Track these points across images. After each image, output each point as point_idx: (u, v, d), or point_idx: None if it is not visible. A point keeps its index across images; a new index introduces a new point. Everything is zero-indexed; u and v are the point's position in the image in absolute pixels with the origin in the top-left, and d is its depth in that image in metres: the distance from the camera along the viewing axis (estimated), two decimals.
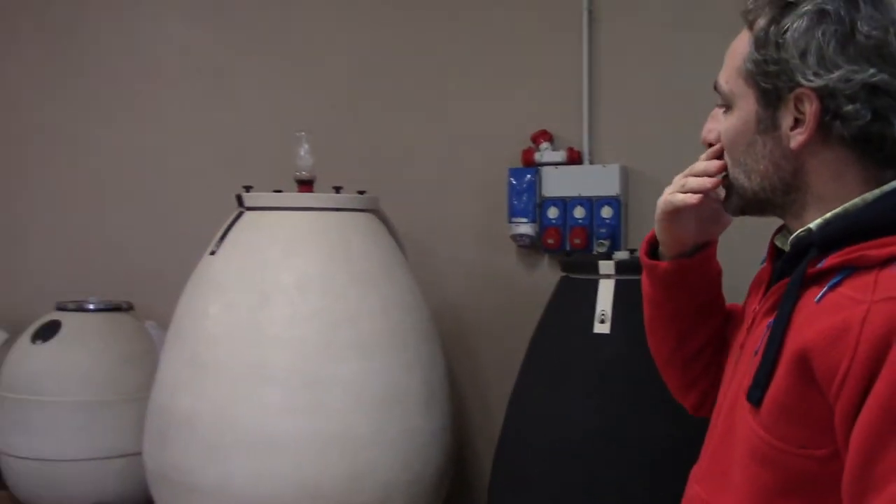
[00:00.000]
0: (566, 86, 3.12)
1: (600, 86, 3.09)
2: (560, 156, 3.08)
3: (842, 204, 1.06)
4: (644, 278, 1.36)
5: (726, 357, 1.27)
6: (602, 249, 2.87)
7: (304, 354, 2.55)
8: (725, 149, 1.16)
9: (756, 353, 1.07)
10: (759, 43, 1.08)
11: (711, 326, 1.36)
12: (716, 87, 1.16)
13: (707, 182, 1.20)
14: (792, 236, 1.11)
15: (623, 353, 2.46)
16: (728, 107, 1.15)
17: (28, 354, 3.33)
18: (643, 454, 2.38)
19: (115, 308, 3.49)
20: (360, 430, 2.53)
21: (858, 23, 1.02)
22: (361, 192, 2.87)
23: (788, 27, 1.04)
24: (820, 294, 1.00)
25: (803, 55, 1.03)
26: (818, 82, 1.03)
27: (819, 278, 1.02)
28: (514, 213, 3.10)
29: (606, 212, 2.99)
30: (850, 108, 1.02)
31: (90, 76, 4.04)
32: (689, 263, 1.30)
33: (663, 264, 1.31)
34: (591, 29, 3.09)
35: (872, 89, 1.01)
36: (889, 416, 0.90)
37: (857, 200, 1.05)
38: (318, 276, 2.63)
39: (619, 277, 2.49)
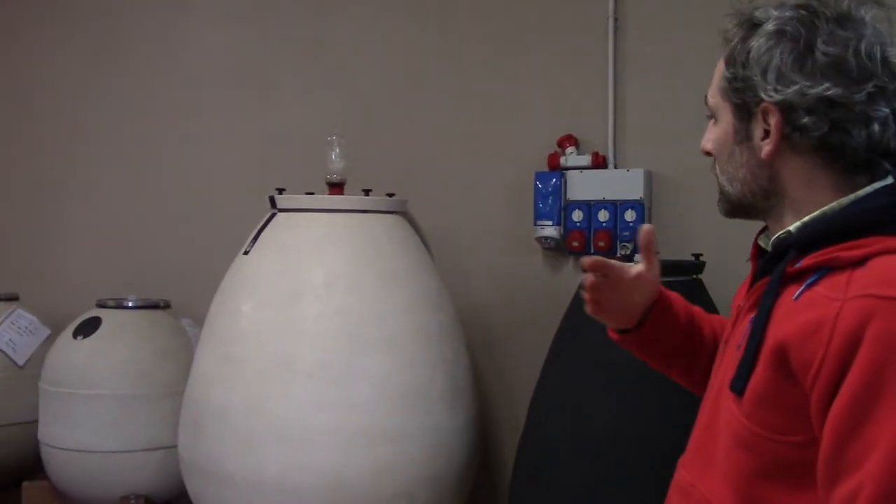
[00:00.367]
0: (592, 91, 3.18)
1: (625, 91, 3.15)
2: (585, 160, 3.13)
3: (817, 208, 1.13)
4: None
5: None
6: (625, 252, 2.92)
7: (332, 350, 2.62)
8: (715, 157, 1.25)
9: (739, 347, 1.14)
10: (729, 61, 1.17)
11: (709, 347, 1.46)
12: (705, 101, 1.26)
13: (586, 295, 1.38)
14: (773, 238, 1.18)
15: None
16: (714, 119, 1.24)
17: (69, 349, 3.43)
18: (665, 451, 2.41)
19: (152, 305, 3.58)
20: (385, 424, 2.60)
21: (817, 41, 1.10)
22: (390, 195, 2.95)
23: (752, 46, 1.13)
24: (798, 292, 1.07)
25: (764, 72, 1.12)
26: (777, 97, 1.11)
27: (797, 277, 1.09)
28: (539, 215, 3.16)
29: (630, 215, 3.04)
30: (807, 120, 1.10)
31: (132, 79, 4.17)
32: (639, 334, 1.44)
33: (619, 339, 1.46)
34: (617, 36, 3.14)
35: (829, 102, 1.09)
36: (859, 405, 0.96)
37: (833, 205, 1.12)
38: (346, 275, 2.71)
39: None
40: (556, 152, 3.18)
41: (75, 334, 3.46)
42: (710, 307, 2.60)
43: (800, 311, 1.05)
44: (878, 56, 1.10)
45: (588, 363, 2.62)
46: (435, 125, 3.49)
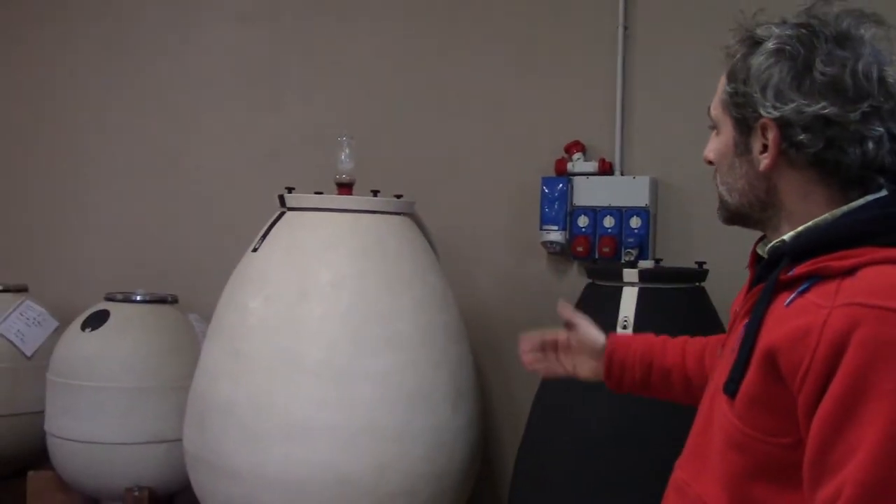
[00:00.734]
0: (600, 99, 3.21)
1: (633, 100, 3.18)
2: (592, 166, 3.17)
3: (811, 220, 1.17)
4: None
5: None
6: (629, 258, 2.95)
7: (338, 349, 2.65)
8: (716, 167, 1.29)
9: (733, 350, 1.18)
10: (731, 77, 1.21)
11: (681, 378, 1.59)
12: (708, 112, 1.29)
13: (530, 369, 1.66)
14: (768, 246, 1.22)
15: None
16: (716, 131, 1.28)
17: (77, 341, 3.46)
18: (663, 456, 2.43)
19: (160, 300, 3.62)
20: (387, 423, 2.63)
21: (815, 60, 1.13)
22: (398, 196, 2.98)
23: (753, 64, 1.17)
24: (789, 299, 1.11)
25: (764, 89, 1.16)
26: (775, 113, 1.15)
27: (790, 285, 1.13)
28: (545, 220, 3.19)
29: (635, 222, 3.07)
30: (803, 137, 1.14)
31: (146, 77, 4.21)
32: (611, 383, 1.64)
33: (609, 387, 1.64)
34: (626, 45, 3.18)
35: (825, 120, 1.12)
36: (843, 409, 1.00)
37: (826, 216, 1.16)
38: (353, 274, 2.74)
39: (642, 285, 2.57)
40: (563, 158, 3.22)
41: (83, 327, 3.49)
42: (712, 314, 2.63)
43: (790, 317, 1.09)
44: (875, 76, 1.13)
45: None
46: (444, 128, 3.53)
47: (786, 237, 1.19)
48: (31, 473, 3.59)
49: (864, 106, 1.12)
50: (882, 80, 1.13)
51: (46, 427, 3.50)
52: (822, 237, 1.13)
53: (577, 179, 3.18)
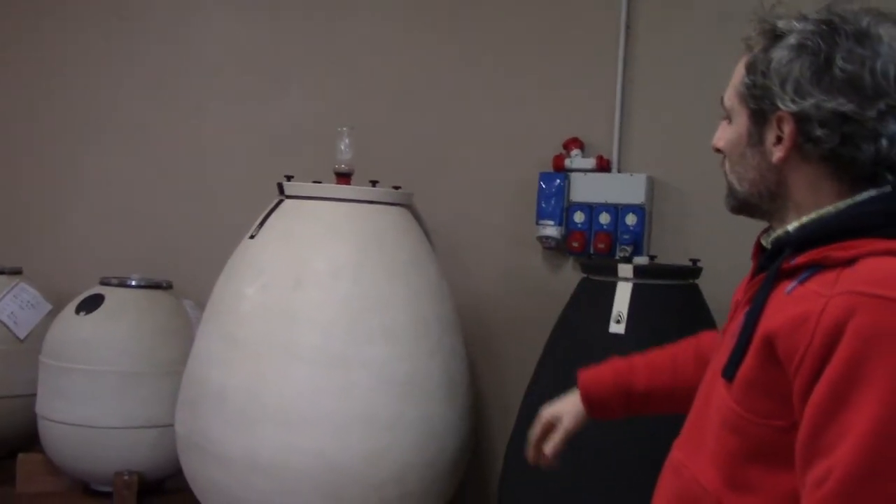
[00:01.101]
0: (600, 96, 3.23)
1: (632, 98, 3.20)
2: (589, 163, 3.18)
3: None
4: None
5: None
6: (624, 255, 2.97)
7: (333, 337, 2.67)
8: (726, 155, 1.30)
9: (734, 336, 1.20)
10: (750, 69, 1.22)
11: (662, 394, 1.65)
12: (721, 101, 1.30)
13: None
14: (772, 237, 1.25)
15: (636, 352, 2.55)
16: (729, 120, 1.29)
17: (71, 325, 3.46)
18: (651, 450, 2.46)
19: (155, 285, 3.62)
20: (381, 411, 2.65)
21: (836, 57, 1.14)
22: (396, 188, 2.99)
23: (773, 57, 1.18)
24: (790, 287, 1.13)
25: (783, 83, 1.17)
26: (794, 108, 1.16)
27: (791, 273, 1.15)
28: (541, 215, 3.21)
29: (631, 219, 3.09)
30: (820, 132, 1.15)
31: (146, 64, 4.20)
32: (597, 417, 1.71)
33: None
34: (628, 44, 3.19)
35: (842, 117, 1.14)
36: (836, 394, 1.02)
37: (830, 208, 1.18)
38: (350, 263, 2.75)
39: (636, 281, 2.59)
40: (561, 154, 3.23)
41: (78, 310, 3.49)
42: (706, 312, 2.66)
43: (791, 304, 1.11)
44: (893, 75, 1.14)
45: (581, 362, 2.66)
46: (443, 122, 3.54)
47: (789, 228, 1.21)
48: (21, 456, 3.59)
49: (881, 104, 1.14)
50: None
51: (38, 410, 3.50)
52: (824, 228, 1.16)
53: (574, 175, 3.20)
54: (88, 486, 3.53)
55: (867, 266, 1.08)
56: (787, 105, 1.17)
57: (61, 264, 4.28)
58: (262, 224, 2.90)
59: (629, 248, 3.00)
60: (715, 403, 1.21)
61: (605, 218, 3.12)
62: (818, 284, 1.10)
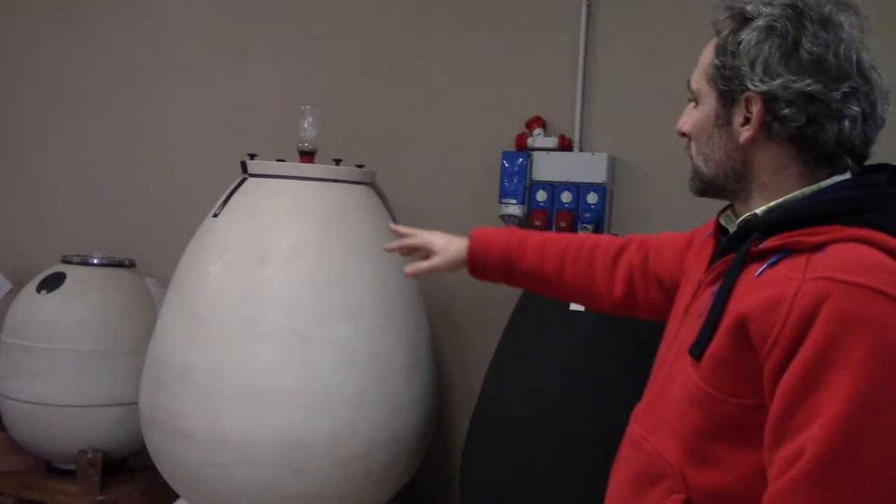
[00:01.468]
0: (562, 76, 3.26)
1: (594, 78, 3.23)
2: (552, 142, 3.22)
3: (782, 194, 1.23)
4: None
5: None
6: (585, 233, 3.01)
7: (297, 314, 2.68)
8: (693, 138, 1.34)
9: (700, 315, 1.24)
10: (720, 51, 1.25)
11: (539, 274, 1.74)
12: (688, 85, 1.34)
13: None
14: (739, 219, 1.28)
15: (595, 330, 2.61)
16: (696, 102, 1.32)
17: (33, 303, 3.44)
18: (610, 425, 2.51)
19: (117, 264, 3.60)
20: (345, 388, 2.67)
21: (803, 39, 1.19)
22: (360, 166, 3.00)
23: (743, 39, 1.22)
24: (760, 270, 1.17)
25: (752, 64, 1.21)
26: (762, 87, 1.20)
27: (759, 256, 1.19)
28: (504, 194, 3.24)
29: (592, 198, 3.13)
30: (787, 111, 1.19)
31: (107, 43, 4.16)
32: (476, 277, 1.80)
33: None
34: (589, 22, 3.22)
35: (809, 97, 1.18)
36: (809, 375, 1.06)
37: (796, 193, 1.22)
38: (313, 241, 2.76)
39: None
40: (523, 133, 3.26)
41: (39, 288, 3.47)
42: None
43: (761, 287, 1.15)
44: (854, 59, 1.19)
45: (542, 338, 2.71)
46: (406, 100, 3.55)
47: (757, 211, 1.25)
48: None
49: (845, 86, 1.18)
50: (860, 63, 1.19)
51: None
52: (793, 213, 1.19)
53: (536, 154, 3.23)
54: (51, 465, 3.52)
55: (837, 252, 1.12)
56: (755, 85, 1.20)
57: (21, 242, 4.24)
58: (225, 202, 2.90)
59: (590, 227, 3.04)
60: (679, 380, 1.25)
61: (566, 196, 3.16)
62: (787, 268, 1.13)
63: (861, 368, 1.03)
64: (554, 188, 3.19)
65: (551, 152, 3.22)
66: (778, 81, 1.19)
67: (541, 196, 3.20)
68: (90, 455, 3.31)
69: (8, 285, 3.87)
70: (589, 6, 3.21)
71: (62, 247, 3.79)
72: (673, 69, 3.12)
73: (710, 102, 1.28)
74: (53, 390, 3.34)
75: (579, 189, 3.15)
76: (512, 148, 3.27)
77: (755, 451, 1.13)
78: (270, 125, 3.65)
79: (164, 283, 3.20)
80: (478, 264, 1.80)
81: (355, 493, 2.75)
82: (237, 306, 2.70)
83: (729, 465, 1.18)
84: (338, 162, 2.98)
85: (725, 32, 1.25)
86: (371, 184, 3.02)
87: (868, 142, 1.23)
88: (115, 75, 4.14)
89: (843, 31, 1.20)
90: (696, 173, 1.33)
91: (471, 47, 3.44)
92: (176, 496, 3.02)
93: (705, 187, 1.33)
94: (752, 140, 1.23)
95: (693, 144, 1.33)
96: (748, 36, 1.21)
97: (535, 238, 1.77)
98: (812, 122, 1.19)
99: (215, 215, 2.90)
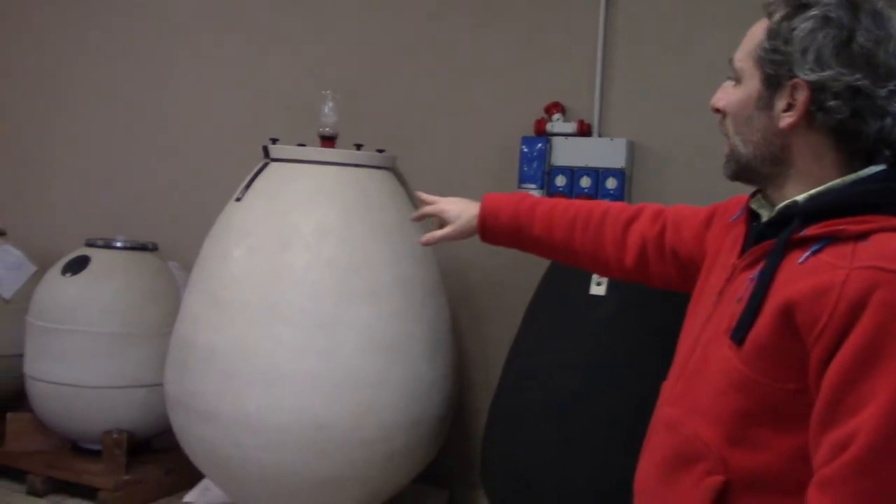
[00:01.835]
0: (581, 61, 3.26)
1: (613, 63, 3.23)
2: (571, 127, 3.22)
3: (818, 182, 1.24)
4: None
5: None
6: (596, 200, 3.02)
7: (319, 298, 2.71)
8: (729, 117, 1.33)
9: (739, 300, 1.25)
10: (772, 35, 1.25)
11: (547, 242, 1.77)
12: (730, 62, 1.33)
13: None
14: (780, 205, 1.28)
15: (616, 314, 2.62)
16: (737, 81, 1.32)
17: (58, 286, 3.49)
18: (630, 409, 2.54)
19: (140, 247, 3.64)
20: (366, 371, 2.70)
21: (857, 33, 1.19)
22: (380, 151, 3.02)
23: (797, 26, 1.22)
24: (803, 257, 1.18)
25: (804, 52, 1.21)
26: (812, 77, 1.21)
27: (800, 244, 1.20)
28: (523, 179, 3.25)
29: (611, 183, 3.14)
30: (833, 103, 1.20)
31: (130, 25, 4.19)
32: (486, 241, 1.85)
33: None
34: (609, 7, 3.22)
35: (856, 91, 1.20)
36: (859, 362, 1.09)
37: (837, 181, 1.23)
38: (335, 226, 2.79)
39: None
40: (543, 118, 3.27)
41: (64, 271, 3.51)
42: None
43: (805, 274, 1.16)
44: None
45: (562, 321, 2.73)
46: (428, 86, 3.56)
47: (798, 198, 1.25)
48: (10, 415, 3.63)
49: (892, 84, 1.20)
50: None
51: (26, 369, 3.54)
52: (836, 202, 1.21)
53: (555, 140, 3.23)
54: (77, 445, 3.58)
55: (883, 242, 1.14)
56: (805, 73, 1.21)
57: (46, 226, 4.29)
58: (248, 186, 2.93)
59: None
60: (717, 364, 1.26)
61: (585, 182, 3.17)
62: (832, 256, 1.15)
63: None
64: (573, 173, 3.20)
65: (570, 137, 3.22)
66: (828, 73, 1.20)
67: (560, 181, 3.21)
68: (116, 436, 3.36)
69: (32, 268, 3.92)
70: None
71: (86, 230, 3.84)
72: (693, 53, 3.14)
73: (753, 84, 1.28)
74: (78, 372, 3.39)
75: (598, 174, 3.16)
76: (531, 133, 3.28)
77: (797, 433, 1.16)
78: (292, 110, 3.67)
79: (187, 267, 3.24)
80: (487, 229, 1.83)
81: (377, 476, 2.79)
82: (260, 290, 2.73)
83: (770, 447, 1.20)
84: (359, 147, 3.00)
85: (778, 16, 1.25)
86: (392, 168, 3.04)
87: None
88: (138, 60, 4.16)
89: (894, 26, 1.21)
90: (734, 154, 1.33)
91: (490, 32, 3.44)
92: (200, 477, 3.07)
93: (740, 170, 1.33)
94: (792, 127, 1.24)
95: (730, 123, 1.33)
96: (803, 24, 1.21)
97: (545, 204, 1.79)
98: (856, 115, 1.20)
99: (238, 199, 2.93)
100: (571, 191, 3.19)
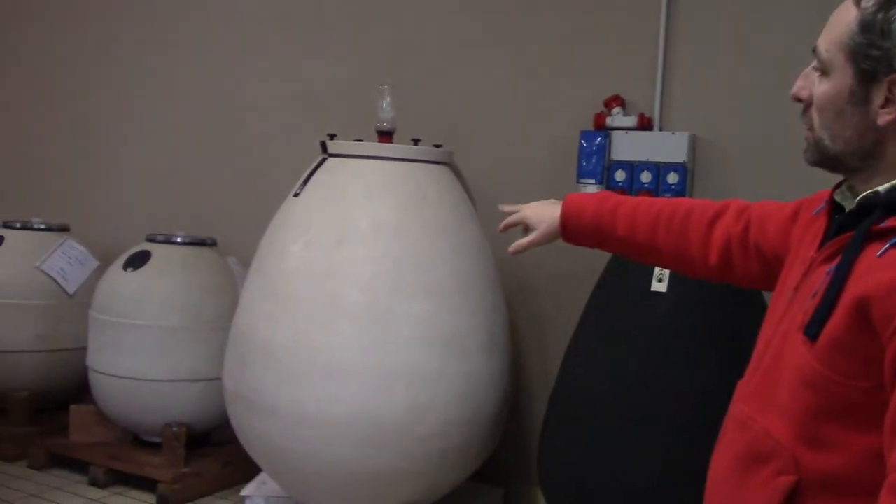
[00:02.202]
0: (642, 54, 3.21)
1: (675, 55, 3.17)
2: (631, 121, 3.17)
3: None
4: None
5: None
6: (680, 198, 2.96)
7: (376, 293, 2.71)
8: (816, 109, 1.27)
9: (814, 294, 1.20)
10: (866, 27, 1.18)
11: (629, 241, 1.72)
12: (814, 51, 1.26)
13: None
14: (860, 196, 1.23)
15: (678, 310, 2.57)
16: (823, 72, 1.25)
17: (119, 280, 3.55)
18: (689, 406, 2.49)
19: (199, 242, 3.69)
20: (423, 367, 2.69)
21: None
22: (438, 146, 3.01)
23: (895, 19, 1.15)
24: (882, 250, 1.12)
25: None
26: None
27: (880, 236, 1.15)
28: (582, 174, 3.21)
29: (672, 178, 3.08)
30: None
31: (189, 20, 4.24)
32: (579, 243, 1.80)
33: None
34: (670, 0, 3.17)
35: None
36: None
37: None
38: (392, 220, 2.79)
39: None
40: (602, 112, 3.22)
41: (125, 266, 3.57)
42: None
43: (883, 267, 1.11)
44: None
45: (622, 318, 2.69)
46: (484, 80, 3.54)
47: (880, 189, 1.20)
48: (73, 407, 3.70)
49: None
50: None
51: (88, 362, 3.60)
52: None
53: (615, 134, 3.18)
54: (138, 437, 3.63)
55: None
56: None
57: (107, 222, 4.36)
58: (306, 182, 2.94)
59: None
60: (791, 360, 1.21)
61: (646, 176, 3.11)
62: None
63: None
64: (633, 168, 3.15)
65: (631, 131, 3.17)
66: None
67: (619, 176, 3.16)
68: (175, 429, 3.40)
69: (95, 263, 3.99)
70: None
71: (147, 226, 3.90)
72: (756, 45, 3.07)
73: (844, 78, 1.22)
74: (139, 365, 3.44)
75: (659, 169, 3.10)
76: (590, 127, 3.23)
77: (871, 433, 1.11)
78: (350, 106, 3.68)
79: (245, 262, 3.26)
80: (570, 230, 1.78)
81: (432, 472, 2.78)
82: (318, 285, 2.74)
83: (843, 447, 1.15)
84: (416, 142, 2.99)
85: (872, 7, 1.18)
86: (449, 163, 3.02)
87: None
88: (201, 58, 4.21)
89: None
90: (818, 146, 1.28)
91: (549, 25, 3.41)
92: (257, 470, 3.09)
93: (823, 160, 1.28)
94: (891, 123, 1.18)
95: (816, 116, 1.27)
96: None
97: (628, 204, 1.74)
98: None
99: (296, 195, 2.94)
100: (631, 186, 3.14)
